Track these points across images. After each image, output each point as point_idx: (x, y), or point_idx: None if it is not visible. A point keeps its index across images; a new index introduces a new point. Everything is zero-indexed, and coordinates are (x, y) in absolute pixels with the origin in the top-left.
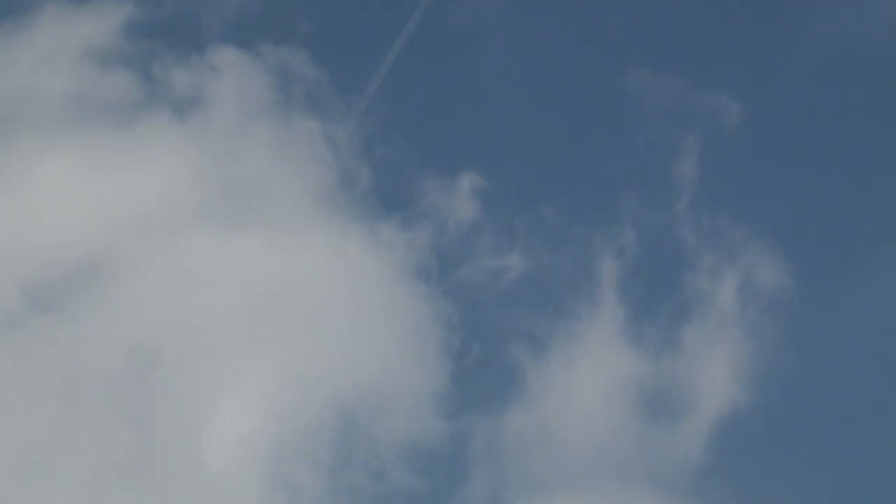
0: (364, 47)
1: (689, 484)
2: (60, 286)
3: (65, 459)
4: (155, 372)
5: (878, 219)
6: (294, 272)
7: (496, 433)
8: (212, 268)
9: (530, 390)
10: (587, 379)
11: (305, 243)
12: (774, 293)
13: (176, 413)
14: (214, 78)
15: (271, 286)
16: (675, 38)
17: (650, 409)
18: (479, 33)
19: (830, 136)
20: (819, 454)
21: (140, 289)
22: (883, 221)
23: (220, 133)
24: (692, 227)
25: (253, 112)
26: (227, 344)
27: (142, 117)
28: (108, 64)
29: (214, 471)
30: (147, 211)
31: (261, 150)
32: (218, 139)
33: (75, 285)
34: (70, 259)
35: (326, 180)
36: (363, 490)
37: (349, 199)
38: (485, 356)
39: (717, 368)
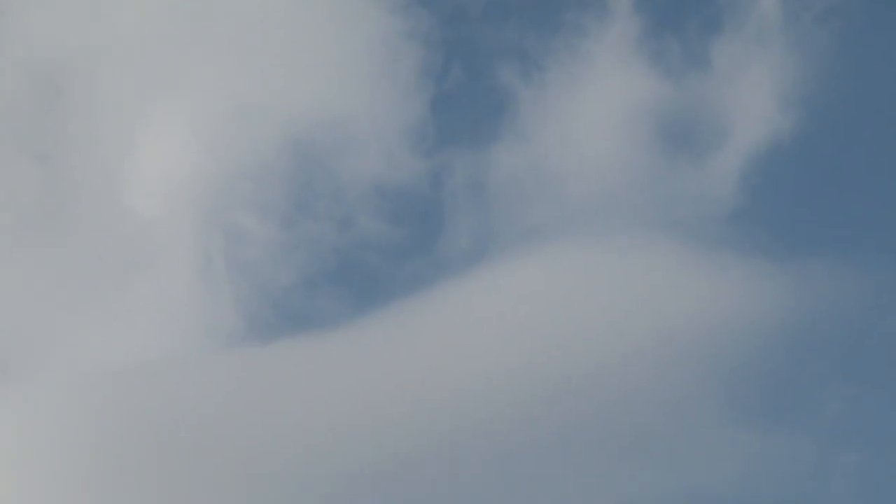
0: None
1: (717, 230)
2: None
3: None
4: (60, 97)
5: None
6: None
7: (482, 171)
8: None
9: (523, 119)
10: (593, 105)
11: None
12: None
13: (88, 147)
14: None
15: None
16: None
17: (671, 142)
18: None
19: None
20: (876, 192)
21: None
22: None
23: None
24: None
25: None
26: (149, 64)
27: None
28: None
29: (138, 217)
30: None
31: None
32: None
33: None
34: None
35: None
36: (324, 241)
37: None
38: (469, 79)
39: (754, 90)
